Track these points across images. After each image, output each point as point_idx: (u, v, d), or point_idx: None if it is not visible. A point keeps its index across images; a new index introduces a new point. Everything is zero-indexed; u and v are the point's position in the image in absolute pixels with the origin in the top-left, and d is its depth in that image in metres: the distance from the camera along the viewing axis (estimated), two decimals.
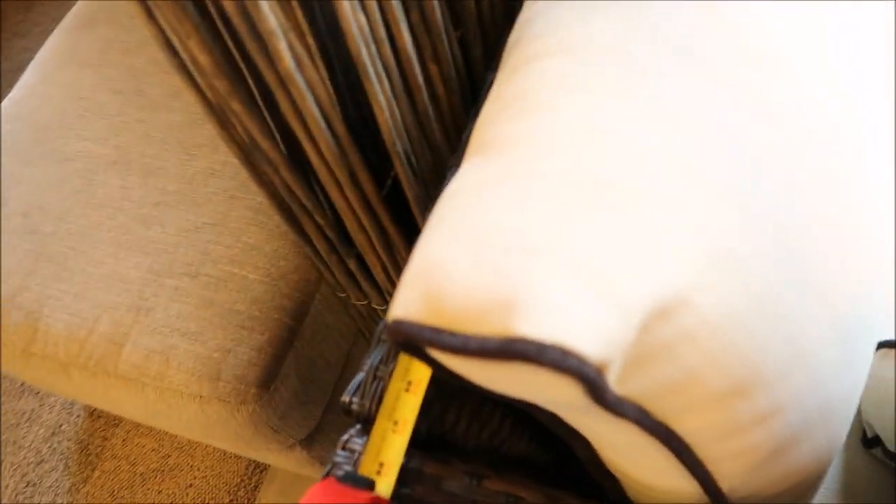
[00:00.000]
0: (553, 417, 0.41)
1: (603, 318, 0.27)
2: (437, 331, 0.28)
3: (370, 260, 0.68)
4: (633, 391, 0.30)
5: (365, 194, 0.58)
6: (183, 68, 0.48)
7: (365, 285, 0.75)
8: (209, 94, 0.49)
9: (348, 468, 0.44)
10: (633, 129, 0.32)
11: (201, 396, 0.74)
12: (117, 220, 0.83)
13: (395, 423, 0.43)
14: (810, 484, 0.42)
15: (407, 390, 0.43)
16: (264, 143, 0.52)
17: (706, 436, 0.34)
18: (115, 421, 1.26)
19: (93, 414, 1.27)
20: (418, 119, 0.57)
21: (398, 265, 0.67)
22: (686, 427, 0.33)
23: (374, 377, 0.46)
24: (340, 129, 0.51)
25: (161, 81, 0.94)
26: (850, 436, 0.55)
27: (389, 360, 0.46)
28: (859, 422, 0.56)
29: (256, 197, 0.82)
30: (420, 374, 0.44)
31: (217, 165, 0.85)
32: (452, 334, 0.28)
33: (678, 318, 0.29)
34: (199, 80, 0.47)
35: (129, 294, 0.78)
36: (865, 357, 0.39)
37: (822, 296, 0.35)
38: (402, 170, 0.57)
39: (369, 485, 0.39)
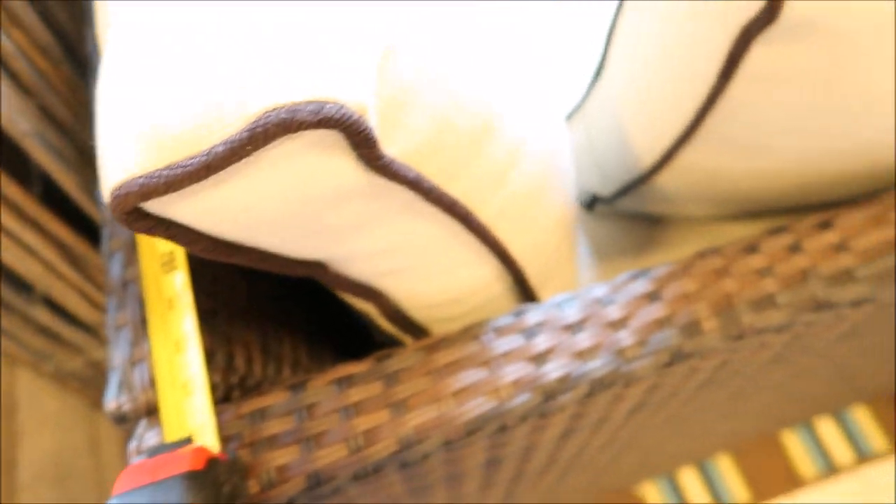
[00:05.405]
0: (345, 281, 0.38)
1: (343, 65, 0.25)
2: (172, 167, 0.23)
3: (61, 294, 0.57)
4: (400, 150, 0.29)
5: (14, 201, 0.47)
6: None
7: (69, 334, 0.63)
8: None
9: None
10: None
11: None
12: None
13: (184, 385, 0.37)
14: (570, 232, 0.46)
15: (171, 307, 0.36)
16: None
17: (477, 195, 0.35)
18: None
19: None
20: (31, 96, 0.48)
21: (96, 282, 0.57)
22: (458, 188, 0.33)
23: (131, 358, 0.38)
24: None
25: None
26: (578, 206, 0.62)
27: (137, 332, 0.39)
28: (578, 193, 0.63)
29: None
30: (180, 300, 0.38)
31: None
32: (191, 157, 0.23)
33: (404, 58, 0.28)
34: None
35: None
36: (560, 119, 0.43)
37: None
38: (45, 159, 0.47)
39: (184, 442, 0.32)
